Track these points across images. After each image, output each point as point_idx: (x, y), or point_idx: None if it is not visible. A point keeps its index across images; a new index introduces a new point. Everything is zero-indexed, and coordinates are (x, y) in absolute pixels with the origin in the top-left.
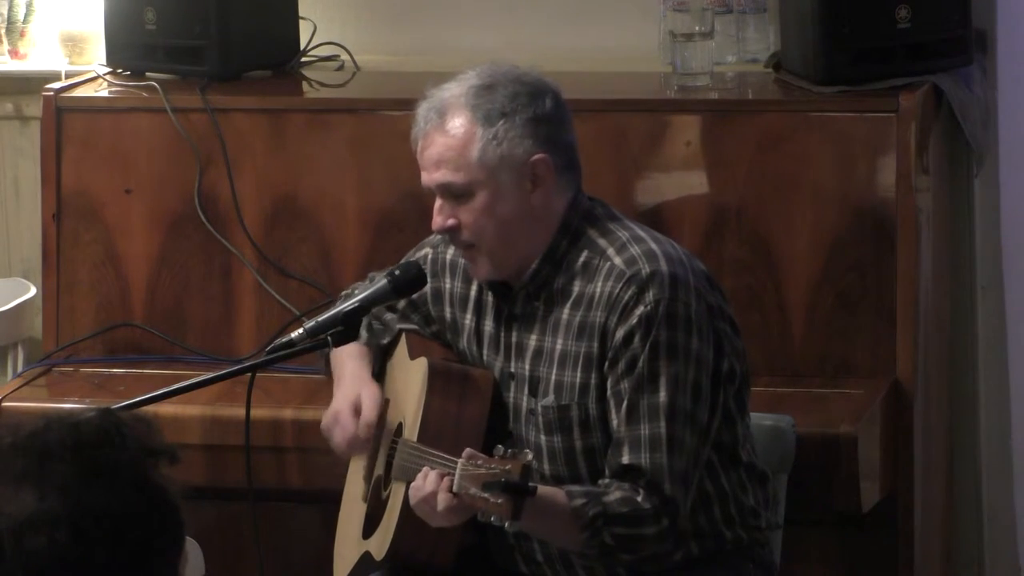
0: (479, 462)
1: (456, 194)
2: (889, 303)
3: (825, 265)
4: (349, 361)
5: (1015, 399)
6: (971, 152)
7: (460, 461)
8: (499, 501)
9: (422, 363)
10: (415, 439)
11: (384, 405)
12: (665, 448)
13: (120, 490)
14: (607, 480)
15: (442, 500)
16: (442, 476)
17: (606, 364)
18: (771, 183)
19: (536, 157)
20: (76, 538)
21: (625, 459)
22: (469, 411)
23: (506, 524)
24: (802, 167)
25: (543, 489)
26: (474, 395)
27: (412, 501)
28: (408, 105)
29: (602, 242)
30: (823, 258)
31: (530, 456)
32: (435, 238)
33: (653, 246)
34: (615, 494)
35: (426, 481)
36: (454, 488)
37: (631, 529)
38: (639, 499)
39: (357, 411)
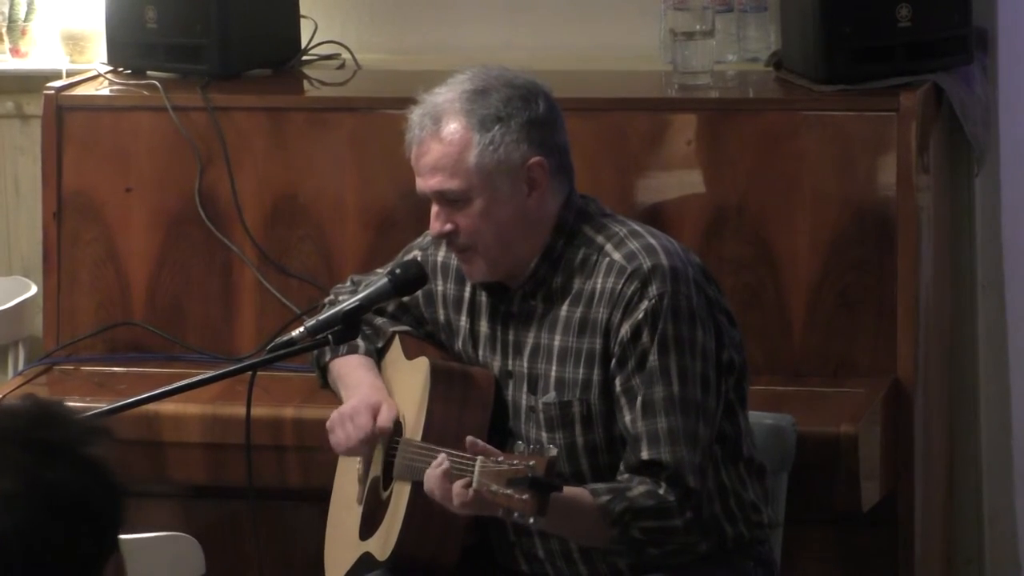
0: (499, 459)
1: (453, 200)
2: (890, 302)
3: (825, 264)
4: (364, 372)
5: (1016, 398)
6: (972, 151)
7: (479, 458)
8: (524, 497)
9: (423, 363)
10: (419, 439)
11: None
12: (683, 441)
13: (70, 468)
14: (627, 475)
15: (457, 496)
16: (447, 473)
17: (613, 361)
18: (772, 182)
19: (532, 161)
20: (37, 517)
21: (645, 454)
22: (471, 410)
23: (530, 521)
24: (803, 166)
25: (566, 488)
26: (476, 394)
27: (431, 487)
28: (409, 104)
29: (599, 238)
30: (823, 257)
31: (554, 452)
32: (424, 241)
33: (651, 240)
34: (639, 488)
35: (438, 471)
36: (474, 485)
37: (658, 522)
38: (662, 492)
39: (374, 415)
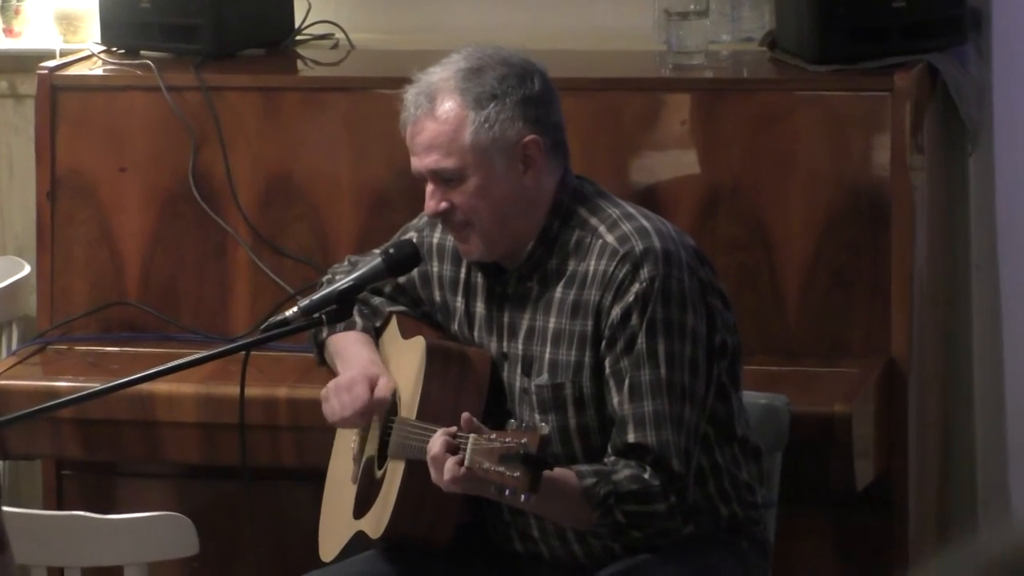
0: (492, 436)
1: (448, 178)
2: (884, 282)
3: (819, 244)
4: (361, 347)
5: (1009, 378)
6: (966, 131)
7: (472, 435)
8: (516, 474)
9: (419, 342)
10: (414, 418)
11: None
12: (669, 425)
13: None
14: (612, 458)
15: (449, 470)
16: (448, 444)
17: (603, 343)
18: (766, 162)
19: (527, 139)
20: None
21: (631, 437)
22: (467, 390)
23: (521, 498)
24: (797, 146)
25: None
26: (472, 374)
27: (434, 453)
28: (403, 84)
29: (593, 220)
30: (817, 237)
31: (547, 429)
32: (419, 222)
33: (644, 223)
34: (624, 472)
35: (441, 438)
36: (466, 463)
37: (642, 506)
38: (647, 476)
39: (371, 387)
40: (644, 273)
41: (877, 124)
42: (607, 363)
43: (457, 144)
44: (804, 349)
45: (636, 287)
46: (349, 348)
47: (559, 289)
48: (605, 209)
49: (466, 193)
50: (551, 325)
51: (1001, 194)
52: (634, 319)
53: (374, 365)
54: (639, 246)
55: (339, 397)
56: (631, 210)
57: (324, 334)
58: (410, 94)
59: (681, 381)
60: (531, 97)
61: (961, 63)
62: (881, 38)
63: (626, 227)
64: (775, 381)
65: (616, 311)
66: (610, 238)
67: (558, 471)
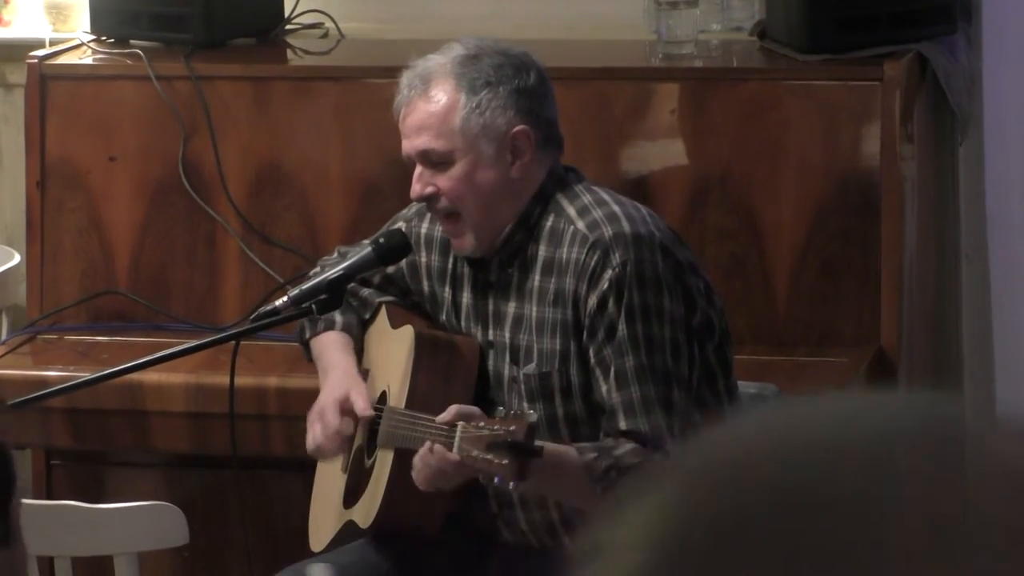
0: (481, 424)
1: (435, 161)
2: (874, 271)
3: (809, 233)
4: (337, 354)
5: (999, 368)
6: (956, 121)
7: (460, 424)
8: (504, 462)
9: (408, 331)
10: (402, 407)
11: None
12: (659, 408)
13: None
14: (611, 439)
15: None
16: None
17: (584, 332)
18: (756, 151)
19: (517, 129)
20: None
21: (623, 425)
22: (456, 379)
23: (511, 485)
24: (787, 135)
25: (551, 447)
26: (460, 363)
27: (417, 466)
28: (393, 73)
29: (567, 206)
30: (807, 226)
31: (534, 416)
32: (408, 212)
33: (615, 208)
34: (625, 446)
35: (432, 454)
36: (455, 451)
37: None
38: (647, 451)
39: (344, 410)
40: (615, 259)
41: (867, 113)
42: (591, 352)
43: (447, 126)
44: (794, 338)
45: (609, 274)
46: (325, 353)
47: (538, 277)
48: (580, 196)
49: (452, 178)
50: (535, 314)
51: (990, 183)
52: (611, 306)
53: (346, 375)
54: (608, 232)
55: (312, 428)
56: (604, 196)
57: (307, 334)
58: (406, 77)
59: (664, 364)
60: (525, 88)
61: (951, 52)
62: (871, 27)
63: (596, 214)
64: (765, 371)
65: (593, 299)
66: (581, 225)
67: (558, 447)
